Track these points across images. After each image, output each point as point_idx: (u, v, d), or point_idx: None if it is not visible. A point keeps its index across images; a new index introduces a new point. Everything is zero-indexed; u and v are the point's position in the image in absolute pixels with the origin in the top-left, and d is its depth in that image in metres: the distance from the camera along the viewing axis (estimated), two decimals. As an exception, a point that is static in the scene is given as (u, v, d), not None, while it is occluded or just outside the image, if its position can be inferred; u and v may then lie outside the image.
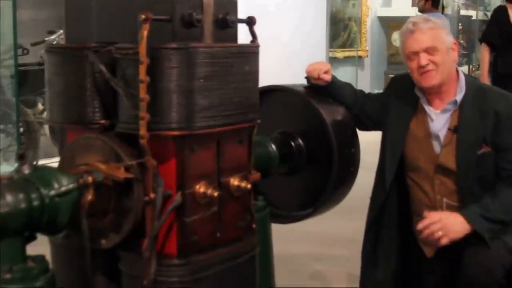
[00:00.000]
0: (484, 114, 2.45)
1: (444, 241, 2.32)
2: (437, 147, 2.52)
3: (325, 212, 2.87)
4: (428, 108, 2.53)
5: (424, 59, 2.44)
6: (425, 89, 2.52)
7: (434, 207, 2.50)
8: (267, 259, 2.55)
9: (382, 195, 2.61)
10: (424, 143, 2.54)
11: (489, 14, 12.80)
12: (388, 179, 2.57)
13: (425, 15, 2.59)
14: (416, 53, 2.46)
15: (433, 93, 2.53)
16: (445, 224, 2.32)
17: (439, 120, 2.51)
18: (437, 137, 2.52)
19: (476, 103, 2.47)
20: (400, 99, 2.62)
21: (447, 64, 2.48)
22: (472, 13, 13.28)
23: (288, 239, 3.78)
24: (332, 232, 4.50)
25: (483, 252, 2.31)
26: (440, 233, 2.31)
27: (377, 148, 2.71)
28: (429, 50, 2.44)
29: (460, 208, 2.43)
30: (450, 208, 2.47)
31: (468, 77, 2.57)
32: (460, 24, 12.09)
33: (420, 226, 2.36)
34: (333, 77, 2.68)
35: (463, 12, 12.92)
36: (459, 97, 2.49)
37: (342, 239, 4.45)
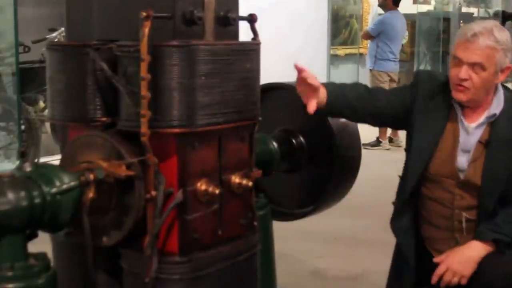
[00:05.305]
0: None
1: (464, 281, 2.31)
2: (463, 163, 2.39)
3: (326, 210, 2.87)
4: (464, 123, 2.39)
5: (465, 72, 2.28)
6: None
7: (451, 220, 2.42)
8: (268, 257, 2.55)
9: (401, 199, 2.51)
10: (450, 157, 2.40)
11: (490, 11, 12.82)
12: (407, 189, 2.45)
13: (495, 23, 2.34)
14: (461, 62, 2.30)
15: (466, 106, 2.38)
16: (455, 270, 2.31)
17: (473, 134, 2.38)
18: (467, 152, 2.38)
19: (510, 117, 2.37)
20: (431, 105, 2.42)
21: (487, 85, 2.32)
22: (473, 10, 13.28)
23: (289, 237, 3.78)
24: (333, 229, 4.50)
25: (499, 258, 2.29)
26: (455, 279, 2.31)
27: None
28: (474, 66, 2.28)
29: (478, 222, 2.37)
30: (469, 222, 2.39)
31: (505, 89, 2.43)
32: (461, 21, 12.07)
33: (434, 278, 2.34)
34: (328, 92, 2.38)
35: (464, 9, 12.92)
36: (498, 110, 2.36)
37: (343, 237, 4.45)
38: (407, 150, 2.50)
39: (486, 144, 2.36)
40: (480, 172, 2.36)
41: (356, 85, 2.52)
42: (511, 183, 2.35)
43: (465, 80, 2.28)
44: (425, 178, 2.45)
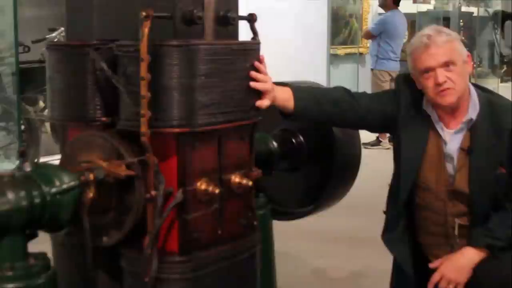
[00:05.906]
0: (500, 134, 2.31)
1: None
2: (450, 169, 2.37)
3: (326, 209, 2.87)
4: (441, 129, 2.36)
5: (441, 75, 2.25)
6: (441, 107, 2.34)
7: (445, 227, 2.41)
8: (268, 256, 2.55)
9: (394, 210, 2.48)
10: (437, 164, 2.38)
11: (490, 10, 12.82)
12: (401, 200, 2.43)
13: (434, 26, 2.36)
14: (432, 69, 2.26)
15: (446, 111, 2.35)
16: (449, 278, 2.30)
17: (453, 141, 2.35)
18: (451, 158, 2.36)
19: (490, 122, 2.33)
20: (412, 112, 2.39)
21: (463, 78, 2.30)
22: (473, 9, 13.27)
23: (289, 236, 3.78)
24: (333, 229, 4.50)
25: (494, 263, 2.28)
26: (451, 286, 2.30)
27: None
28: (446, 66, 2.26)
29: (472, 227, 2.36)
30: (462, 228, 2.38)
31: (478, 89, 2.40)
32: (461, 20, 12.08)
33: (430, 286, 2.33)
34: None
35: (464, 8, 12.91)
36: (474, 115, 2.32)
37: (343, 236, 4.45)
38: (395, 159, 2.49)
39: (468, 151, 2.34)
40: (467, 180, 2.34)
41: (335, 91, 2.46)
42: (499, 187, 2.33)
43: (444, 82, 2.26)
44: (416, 187, 2.43)
